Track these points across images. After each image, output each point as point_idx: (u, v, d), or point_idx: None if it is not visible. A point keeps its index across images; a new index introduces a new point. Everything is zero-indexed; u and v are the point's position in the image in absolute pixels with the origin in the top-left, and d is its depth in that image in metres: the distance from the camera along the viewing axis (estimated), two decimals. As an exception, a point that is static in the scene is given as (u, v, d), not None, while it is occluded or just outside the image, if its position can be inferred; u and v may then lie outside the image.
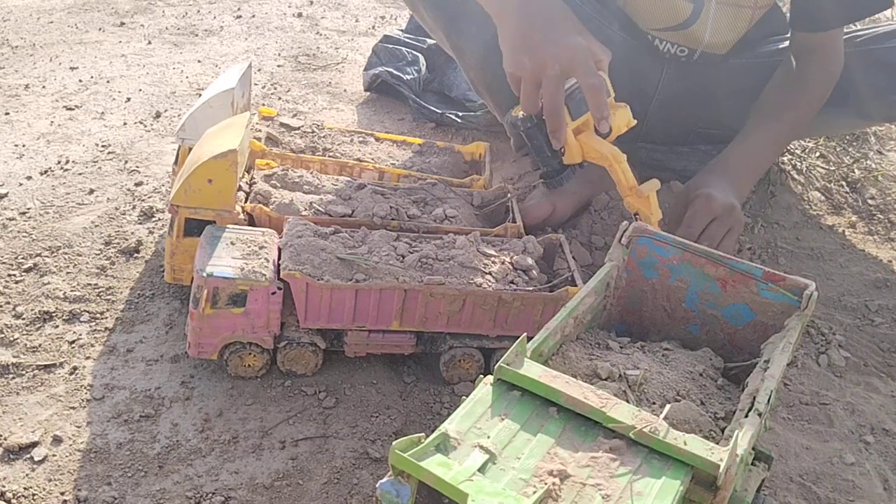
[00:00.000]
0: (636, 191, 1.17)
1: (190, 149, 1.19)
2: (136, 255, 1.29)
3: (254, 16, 2.50)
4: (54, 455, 0.94)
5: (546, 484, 0.66)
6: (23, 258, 1.25)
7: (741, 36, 1.46)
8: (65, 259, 1.26)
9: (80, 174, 1.51)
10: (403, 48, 1.98)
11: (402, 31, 2.10)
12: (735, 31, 1.45)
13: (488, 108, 1.59)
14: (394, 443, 0.66)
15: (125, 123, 1.73)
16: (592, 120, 1.14)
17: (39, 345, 1.10)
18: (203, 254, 1.02)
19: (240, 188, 1.17)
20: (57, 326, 1.13)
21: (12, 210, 1.37)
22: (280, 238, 1.08)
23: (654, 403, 0.82)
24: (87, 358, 1.09)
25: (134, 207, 1.41)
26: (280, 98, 1.93)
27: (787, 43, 1.53)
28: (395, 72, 1.91)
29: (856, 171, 1.77)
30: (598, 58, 1.13)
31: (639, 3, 1.41)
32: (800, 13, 1.42)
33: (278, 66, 2.13)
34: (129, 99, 1.85)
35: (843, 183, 1.74)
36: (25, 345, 1.09)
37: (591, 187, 1.43)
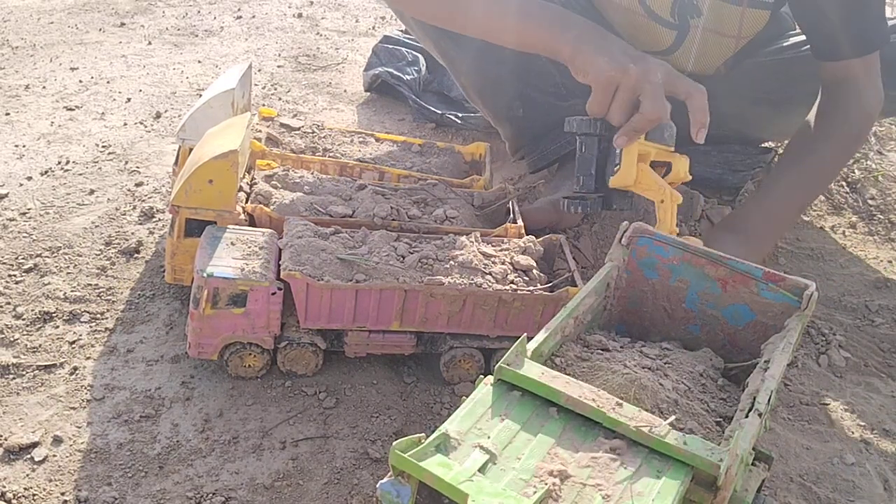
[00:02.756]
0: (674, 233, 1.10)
1: (190, 149, 1.19)
2: (136, 255, 1.29)
3: (254, 16, 2.51)
4: (55, 455, 0.94)
5: (546, 484, 0.66)
6: (23, 258, 1.25)
7: (725, 61, 1.45)
8: (65, 259, 1.26)
9: (80, 174, 1.51)
10: (403, 48, 1.98)
11: (402, 31, 2.10)
12: (719, 58, 1.44)
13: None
14: (394, 443, 0.66)
15: (125, 124, 1.73)
16: (657, 152, 1.10)
17: (40, 345, 1.10)
18: (203, 254, 1.02)
19: (240, 189, 1.17)
20: (57, 327, 1.13)
21: (13, 210, 1.37)
22: (280, 238, 1.08)
23: (654, 405, 0.82)
24: (88, 358, 1.09)
25: (134, 208, 1.41)
26: (280, 98, 1.94)
27: (790, 41, 1.52)
28: (395, 72, 1.91)
29: (856, 171, 1.77)
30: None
31: (624, 29, 1.41)
32: (815, 41, 1.32)
33: (278, 66, 2.13)
34: (129, 99, 1.85)
35: (844, 183, 1.74)
36: (26, 345, 1.09)
37: None
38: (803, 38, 1.57)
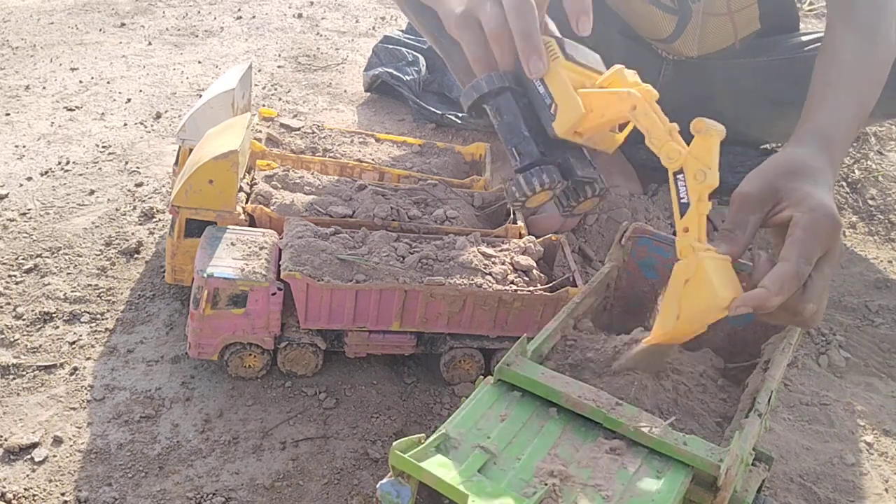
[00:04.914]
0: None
1: (190, 149, 1.19)
2: (136, 255, 1.29)
3: (254, 17, 2.51)
4: (55, 456, 0.94)
5: (546, 484, 0.66)
6: (23, 259, 1.25)
7: (731, 43, 1.45)
8: (65, 260, 1.26)
9: (80, 175, 1.51)
10: (403, 49, 1.98)
11: (402, 31, 2.10)
12: (722, 40, 1.43)
13: None
14: (394, 443, 0.66)
15: (125, 124, 1.73)
16: (591, 73, 0.86)
17: (40, 345, 1.10)
18: (204, 254, 1.02)
19: (240, 189, 1.17)
20: (57, 327, 1.13)
21: (13, 211, 1.37)
22: (280, 239, 1.08)
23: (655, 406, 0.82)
24: (88, 359, 1.09)
25: (134, 208, 1.41)
26: (280, 99, 1.94)
27: (795, 40, 1.52)
28: (395, 72, 1.91)
29: (856, 171, 1.77)
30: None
31: (626, 17, 1.41)
32: None
33: (278, 66, 2.13)
34: (129, 100, 1.85)
35: (844, 183, 1.74)
36: (26, 345, 1.09)
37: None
38: (807, 38, 1.57)
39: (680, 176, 0.79)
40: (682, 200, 0.79)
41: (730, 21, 1.39)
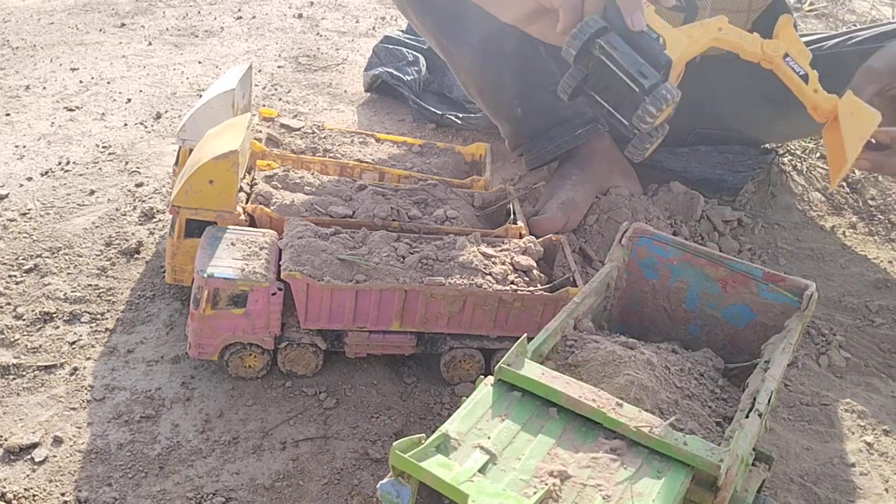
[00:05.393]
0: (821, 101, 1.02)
1: (191, 150, 1.19)
2: (136, 255, 1.29)
3: (254, 17, 2.51)
4: (55, 456, 0.94)
5: (547, 484, 0.66)
6: (23, 259, 1.25)
7: None
8: (65, 260, 1.26)
9: (80, 175, 1.51)
10: (404, 49, 1.98)
11: (402, 31, 2.10)
12: None
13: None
14: (394, 443, 0.66)
15: (126, 124, 1.73)
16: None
17: (40, 346, 1.10)
18: (204, 255, 1.02)
19: (241, 189, 1.17)
20: (57, 327, 1.13)
21: (13, 211, 1.37)
22: (280, 239, 1.08)
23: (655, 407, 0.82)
24: (88, 359, 1.09)
25: (134, 208, 1.41)
26: (280, 99, 1.94)
27: None
28: (395, 72, 1.91)
29: (856, 171, 1.77)
30: None
31: None
32: None
33: (279, 67, 2.13)
34: (129, 100, 1.85)
35: (844, 183, 1.74)
36: (26, 346, 1.09)
37: (595, 186, 1.43)
38: (806, 39, 1.57)
39: (787, 59, 1.03)
40: (799, 73, 1.03)
41: (746, 18, 1.40)
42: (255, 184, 1.21)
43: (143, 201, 1.43)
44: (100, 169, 1.54)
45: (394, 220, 1.18)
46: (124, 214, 1.39)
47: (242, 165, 1.15)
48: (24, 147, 1.59)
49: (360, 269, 1.04)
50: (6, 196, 1.41)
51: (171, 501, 0.90)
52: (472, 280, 1.06)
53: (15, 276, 1.22)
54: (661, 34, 0.96)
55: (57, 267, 1.25)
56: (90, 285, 1.22)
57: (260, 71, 2.08)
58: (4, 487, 0.89)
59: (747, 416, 0.77)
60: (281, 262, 1.04)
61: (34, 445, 0.95)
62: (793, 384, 1.19)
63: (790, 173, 1.72)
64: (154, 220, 1.39)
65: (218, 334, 1.03)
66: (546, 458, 0.70)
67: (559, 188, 1.43)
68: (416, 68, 1.93)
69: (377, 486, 0.67)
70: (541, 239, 1.18)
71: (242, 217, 1.12)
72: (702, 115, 1.59)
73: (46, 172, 1.50)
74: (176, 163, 1.26)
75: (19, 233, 1.31)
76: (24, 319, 1.14)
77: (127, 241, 1.32)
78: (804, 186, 1.71)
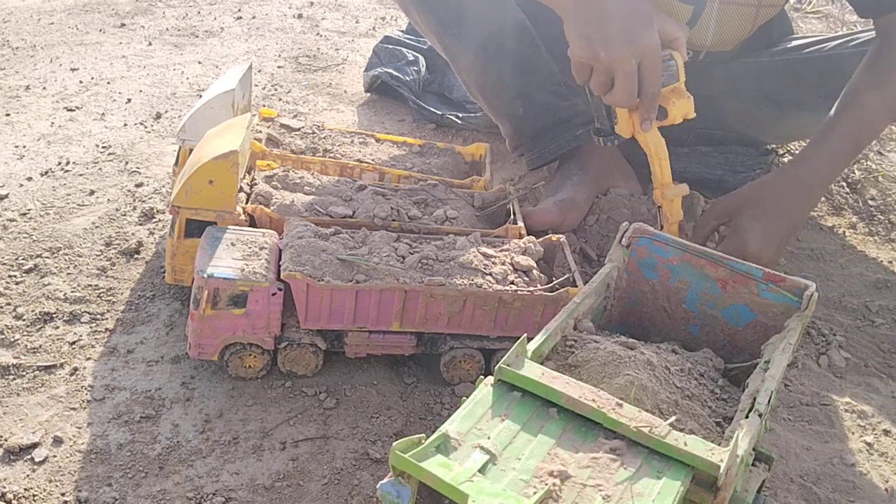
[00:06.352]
0: (665, 189, 1.22)
1: (190, 150, 1.19)
2: (136, 256, 1.29)
3: (254, 17, 2.51)
4: (55, 456, 0.94)
5: (546, 485, 0.66)
6: (23, 259, 1.25)
7: (748, 35, 1.45)
8: (65, 260, 1.26)
9: (80, 175, 1.51)
10: (404, 49, 1.98)
11: (402, 31, 2.10)
12: (740, 31, 1.44)
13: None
14: (394, 443, 0.66)
15: (126, 124, 1.73)
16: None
17: (40, 346, 1.10)
18: (204, 255, 1.02)
19: (241, 189, 1.17)
20: (57, 327, 1.13)
21: (13, 211, 1.37)
22: (280, 239, 1.08)
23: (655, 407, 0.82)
24: (88, 359, 1.09)
25: (134, 208, 1.41)
26: (280, 99, 1.94)
27: (793, 43, 1.52)
28: (395, 73, 1.91)
29: (856, 171, 1.77)
30: (673, 36, 1.12)
31: None
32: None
33: (279, 67, 2.13)
34: (129, 100, 1.85)
35: (844, 184, 1.74)
36: (26, 346, 1.09)
37: (595, 186, 1.43)
38: (808, 40, 1.57)
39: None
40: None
41: (754, 13, 1.40)
42: (255, 184, 1.21)
43: (143, 201, 1.44)
44: (100, 169, 1.54)
45: (394, 221, 1.18)
46: (124, 214, 1.39)
47: (242, 165, 1.15)
48: (24, 147, 1.59)
49: (360, 270, 1.04)
50: (6, 196, 1.41)
51: (171, 501, 0.90)
52: (472, 280, 1.06)
53: (15, 276, 1.22)
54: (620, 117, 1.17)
55: (57, 267, 1.25)
56: (90, 285, 1.22)
57: (260, 71, 2.08)
58: (4, 487, 0.89)
59: (747, 417, 0.77)
60: (281, 263, 1.04)
61: (34, 445, 0.95)
62: (793, 384, 1.19)
63: (790, 173, 1.72)
64: (154, 220, 1.39)
65: (218, 334, 1.03)
66: (546, 459, 0.70)
67: (560, 188, 1.43)
68: (416, 68, 1.93)
69: (377, 486, 0.67)
70: (541, 239, 1.18)
71: (242, 217, 1.12)
72: (702, 116, 1.59)
73: (46, 172, 1.50)
74: (176, 163, 1.26)
75: (19, 233, 1.31)
76: (24, 319, 1.14)
77: (127, 241, 1.32)
78: (804, 187, 1.71)
